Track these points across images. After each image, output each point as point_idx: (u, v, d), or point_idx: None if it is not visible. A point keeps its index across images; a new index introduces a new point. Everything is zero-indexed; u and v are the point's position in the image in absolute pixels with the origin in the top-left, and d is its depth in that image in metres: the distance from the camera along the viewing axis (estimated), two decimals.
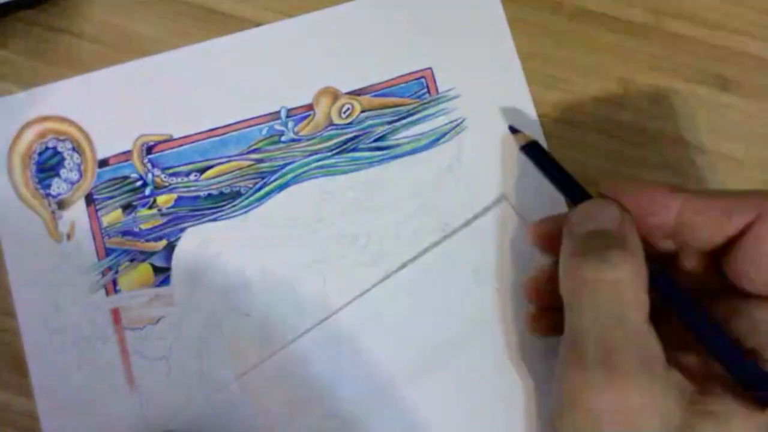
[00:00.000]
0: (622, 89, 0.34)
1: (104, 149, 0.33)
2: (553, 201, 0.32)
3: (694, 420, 0.22)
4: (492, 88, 0.34)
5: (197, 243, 0.32)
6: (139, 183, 0.32)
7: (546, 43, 0.34)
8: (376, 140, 0.33)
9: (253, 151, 0.33)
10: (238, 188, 0.32)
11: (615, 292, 0.23)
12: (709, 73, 0.34)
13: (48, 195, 0.32)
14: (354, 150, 0.33)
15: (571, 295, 0.24)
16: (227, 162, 0.33)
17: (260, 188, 0.32)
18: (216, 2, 0.34)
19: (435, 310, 0.32)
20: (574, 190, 0.29)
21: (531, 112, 0.33)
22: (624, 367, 0.22)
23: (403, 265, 0.32)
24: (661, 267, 0.25)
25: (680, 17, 0.35)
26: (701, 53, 0.34)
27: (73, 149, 0.32)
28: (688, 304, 0.24)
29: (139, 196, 0.32)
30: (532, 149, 0.31)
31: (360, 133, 0.33)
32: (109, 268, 0.32)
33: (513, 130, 0.32)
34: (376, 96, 0.33)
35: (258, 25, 0.34)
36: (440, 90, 0.34)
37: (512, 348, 0.31)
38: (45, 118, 0.33)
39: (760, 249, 0.23)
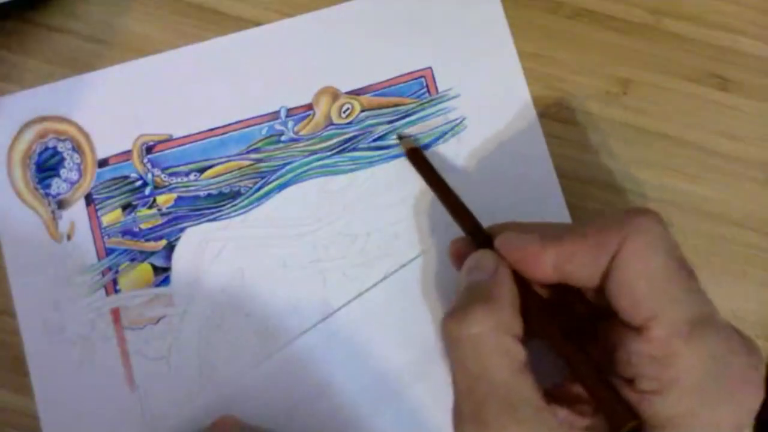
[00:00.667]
0: (622, 89, 0.34)
1: (104, 149, 0.33)
2: (547, 204, 0.32)
3: None
4: (492, 88, 0.34)
5: (197, 243, 0.32)
6: (138, 183, 0.32)
7: (546, 43, 0.34)
8: (375, 140, 0.33)
9: (253, 151, 0.33)
10: (237, 188, 0.32)
11: (475, 346, 0.24)
12: (709, 73, 0.34)
13: (48, 195, 0.32)
14: (354, 150, 0.33)
15: (446, 352, 0.25)
16: (227, 162, 0.33)
17: (260, 188, 0.32)
18: (216, 2, 0.34)
19: (434, 309, 0.32)
20: (451, 201, 0.30)
21: (531, 112, 0.33)
22: (490, 418, 0.23)
23: (403, 265, 0.32)
24: (543, 307, 0.26)
25: (680, 17, 0.35)
26: (701, 53, 0.34)
27: (73, 149, 0.32)
28: (565, 344, 0.25)
29: (139, 195, 0.32)
30: (414, 156, 0.32)
31: (360, 132, 0.33)
32: (109, 268, 0.32)
33: (400, 136, 0.33)
34: (375, 96, 0.33)
35: (258, 25, 0.34)
36: (440, 90, 0.34)
37: None
38: (45, 118, 0.33)
39: (620, 284, 0.23)
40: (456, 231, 0.31)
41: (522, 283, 0.26)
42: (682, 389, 0.22)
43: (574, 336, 0.25)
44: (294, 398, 0.31)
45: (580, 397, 0.25)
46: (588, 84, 0.34)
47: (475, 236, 0.28)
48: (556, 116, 0.34)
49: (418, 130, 0.33)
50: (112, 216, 0.32)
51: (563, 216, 0.33)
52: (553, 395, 0.24)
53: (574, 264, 0.24)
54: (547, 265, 0.25)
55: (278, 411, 0.31)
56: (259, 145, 0.33)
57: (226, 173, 0.33)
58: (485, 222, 0.29)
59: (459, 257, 0.28)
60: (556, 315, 0.26)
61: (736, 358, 0.23)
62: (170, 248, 0.32)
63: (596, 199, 0.33)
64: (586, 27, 0.35)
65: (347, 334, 0.31)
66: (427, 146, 0.33)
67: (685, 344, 0.22)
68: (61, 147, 0.32)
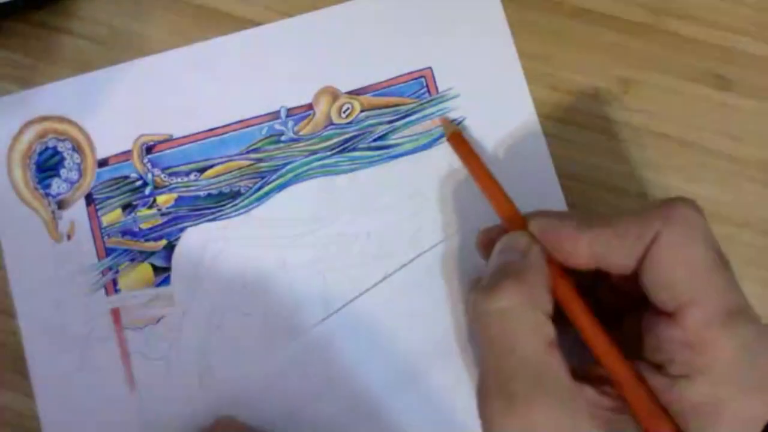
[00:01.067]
0: (622, 89, 0.34)
1: (104, 149, 0.32)
2: (547, 204, 0.32)
3: None
4: (492, 88, 0.33)
5: (197, 243, 0.32)
6: (138, 183, 0.32)
7: (546, 43, 0.34)
8: (375, 140, 0.33)
9: (253, 151, 0.33)
10: (238, 188, 0.32)
11: (504, 321, 0.24)
12: (709, 73, 0.34)
13: (48, 195, 0.32)
14: (354, 149, 0.33)
15: (473, 328, 0.25)
16: (227, 162, 0.33)
17: (260, 188, 0.32)
18: (216, 2, 0.34)
19: (436, 308, 0.32)
20: (490, 186, 0.29)
21: (531, 111, 0.33)
22: (519, 394, 0.23)
23: (404, 265, 0.32)
24: (571, 290, 0.26)
25: (680, 17, 0.35)
26: (701, 53, 0.34)
27: (73, 149, 0.32)
28: (592, 324, 0.25)
29: (139, 195, 0.32)
30: (455, 141, 0.32)
31: (360, 132, 0.33)
32: (109, 268, 0.32)
33: (445, 121, 0.33)
34: (375, 95, 0.33)
35: (258, 24, 0.34)
36: (440, 89, 0.33)
37: None
38: (45, 118, 0.33)
39: (657, 270, 0.24)
40: (455, 230, 0.31)
41: (557, 270, 0.26)
42: (713, 376, 0.22)
43: (603, 323, 0.25)
44: (295, 399, 0.31)
45: (607, 379, 0.25)
46: (588, 84, 0.34)
47: (512, 222, 0.28)
48: (556, 116, 0.34)
49: (419, 129, 0.33)
50: (112, 216, 0.32)
51: None
52: (579, 374, 0.24)
53: (610, 250, 0.24)
54: (584, 250, 0.25)
55: (279, 412, 0.31)
56: (259, 145, 0.33)
57: (226, 173, 0.32)
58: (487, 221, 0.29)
59: (489, 246, 0.28)
60: (588, 303, 0.26)
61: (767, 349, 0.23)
62: (170, 248, 0.32)
63: (597, 199, 0.33)
64: (586, 27, 0.35)
65: (348, 335, 0.31)
66: (427, 146, 0.33)
67: (720, 332, 0.23)
68: (61, 147, 0.32)
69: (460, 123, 0.33)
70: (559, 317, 0.25)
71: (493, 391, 0.24)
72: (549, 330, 0.24)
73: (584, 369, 0.25)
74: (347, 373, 0.31)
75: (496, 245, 0.27)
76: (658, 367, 0.24)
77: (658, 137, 0.34)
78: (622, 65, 0.34)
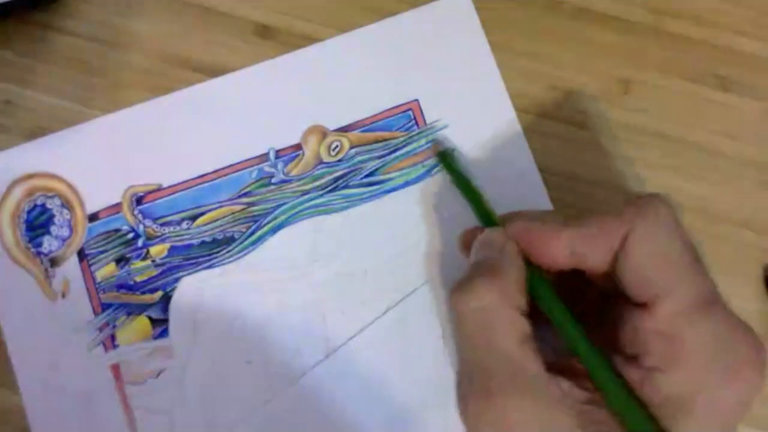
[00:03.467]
0: (622, 89, 0.34)
1: (93, 203, 0.32)
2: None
3: (584, 426, 0.23)
4: (479, 116, 0.33)
5: (193, 292, 0.32)
6: (131, 235, 0.32)
7: (546, 43, 0.34)
8: (367, 176, 0.33)
9: (244, 195, 0.32)
10: (231, 233, 0.32)
11: (480, 318, 0.24)
12: (709, 73, 0.34)
13: (40, 253, 0.32)
14: (345, 187, 0.33)
15: (453, 326, 0.26)
16: (219, 208, 0.32)
17: (253, 232, 0.32)
18: (217, 2, 0.34)
19: (436, 340, 0.31)
20: (479, 205, 0.29)
21: (519, 136, 0.33)
22: (495, 390, 0.23)
23: (401, 300, 0.32)
24: (546, 286, 0.26)
25: (680, 17, 0.35)
26: (701, 53, 0.34)
27: (62, 205, 0.32)
28: (568, 319, 0.25)
29: (132, 248, 0.32)
30: (445, 158, 0.31)
31: (350, 169, 0.33)
32: (107, 324, 0.31)
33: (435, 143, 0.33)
34: (364, 131, 0.33)
35: (257, 23, 0.34)
36: (428, 121, 0.33)
37: None
38: (31, 176, 0.32)
39: (630, 265, 0.24)
40: (452, 262, 0.30)
41: (533, 267, 0.26)
42: (686, 367, 0.23)
43: (583, 322, 0.25)
44: None
45: (583, 372, 0.25)
46: (588, 84, 0.34)
47: (490, 223, 0.29)
48: (556, 116, 0.34)
49: (410, 162, 0.33)
50: (106, 270, 0.32)
51: None
52: (556, 368, 0.24)
53: (586, 248, 0.25)
54: (561, 249, 0.25)
55: None
56: (250, 188, 0.32)
57: (218, 219, 0.32)
58: None
59: (469, 246, 0.28)
60: (567, 301, 0.26)
61: (739, 338, 0.23)
62: (167, 299, 0.31)
63: (597, 200, 0.33)
64: (586, 27, 0.34)
65: (350, 373, 0.31)
66: (419, 179, 0.33)
67: (690, 323, 0.23)
68: (49, 204, 0.32)
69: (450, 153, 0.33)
70: (536, 312, 0.25)
71: (470, 388, 0.24)
72: (523, 326, 0.24)
73: (561, 363, 0.25)
74: (352, 412, 0.31)
75: (473, 244, 0.28)
76: (634, 360, 0.24)
77: (658, 137, 0.34)
78: (622, 65, 0.34)
